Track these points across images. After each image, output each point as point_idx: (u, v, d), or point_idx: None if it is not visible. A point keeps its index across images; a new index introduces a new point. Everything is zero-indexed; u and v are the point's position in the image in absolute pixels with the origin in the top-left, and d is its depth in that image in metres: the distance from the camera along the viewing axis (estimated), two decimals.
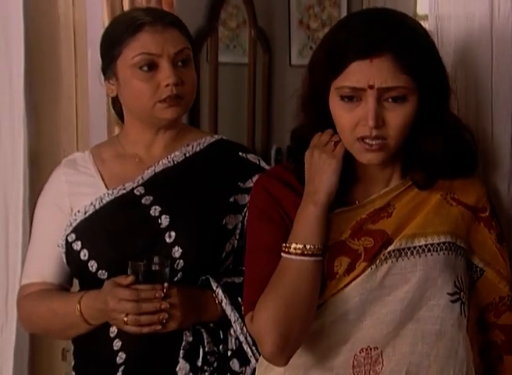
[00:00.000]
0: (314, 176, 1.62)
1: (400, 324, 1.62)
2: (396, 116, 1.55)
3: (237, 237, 1.93)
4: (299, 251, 1.59)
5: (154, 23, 1.87)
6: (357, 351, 1.62)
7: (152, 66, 1.87)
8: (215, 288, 1.86)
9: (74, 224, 1.94)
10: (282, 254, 1.61)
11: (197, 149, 1.99)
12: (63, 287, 2.00)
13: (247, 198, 1.86)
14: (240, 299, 1.82)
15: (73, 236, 1.93)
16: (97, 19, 2.76)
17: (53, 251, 1.97)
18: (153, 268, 1.80)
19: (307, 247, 1.59)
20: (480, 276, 1.70)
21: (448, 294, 1.63)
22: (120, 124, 3.31)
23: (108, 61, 1.93)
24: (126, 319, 1.77)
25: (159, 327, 1.78)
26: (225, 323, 1.87)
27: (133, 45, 1.88)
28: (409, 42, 1.54)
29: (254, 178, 1.90)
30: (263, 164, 2.00)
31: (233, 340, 1.88)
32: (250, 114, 4.69)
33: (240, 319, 1.85)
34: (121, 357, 1.88)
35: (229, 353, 1.88)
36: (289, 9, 4.94)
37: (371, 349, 1.62)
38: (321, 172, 1.61)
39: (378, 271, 1.61)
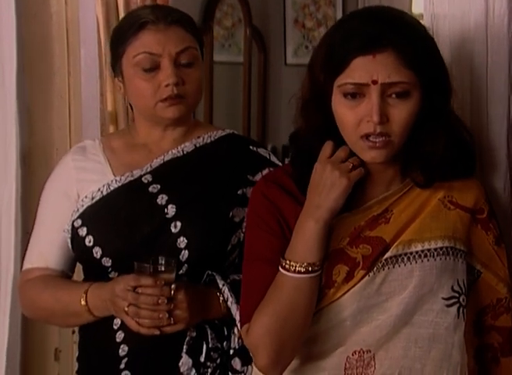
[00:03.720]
0: (321, 191, 1.58)
1: (393, 328, 1.61)
2: (400, 112, 1.53)
3: (244, 230, 1.90)
4: (297, 269, 1.58)
5: (156, 21, 1.87)
6: (349, 353, 1.62)
7: (154, 66, 1.87)
8: (221, 286, 1.85)
9: (81, 210, 1.94)
10: (280, 269, 1.60)
11: (208, 141, 1.98)
12: (65, 274, 2.00)
13: None
14: None
15: (79, 221, 1.93)
16: (90, 18, 2.75)
17: (57, 237, 1.97)
18: (159, 269, 1.78)
19: (305, 264, 1.58)
20: (477, 278, 1.69)
21: (443, 298, 1.62)
22: (115, 123, 3.35)
23: (115, 58, 1.94)
24: (126, 309, 1.77)
25: (157, 332, 1.78)
26: (230, 321, 1.87)
27: (135, 44, 1.88)
28: (410, 37, 1.53)
29: (264, 171, 1.91)
30: (273, 158, 2.00)
31: (236, 339, 1.87)
32: (246, 113, 4.69)
33: None
34: (123, 349, 1.88)
35: (232, 352, 1.88)
36: (285, 8, 4.94)
37: (363, 352, 1.62)
38: (330, 189, 1.57)
39: (375, 278, 1.60)
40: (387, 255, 1.60)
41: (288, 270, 1.58)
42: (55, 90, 2.70)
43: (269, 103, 4.91)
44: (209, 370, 1.85)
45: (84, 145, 2.04)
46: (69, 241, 1.96)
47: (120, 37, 1.91)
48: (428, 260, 1.61)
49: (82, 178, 1.97)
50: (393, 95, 1.53)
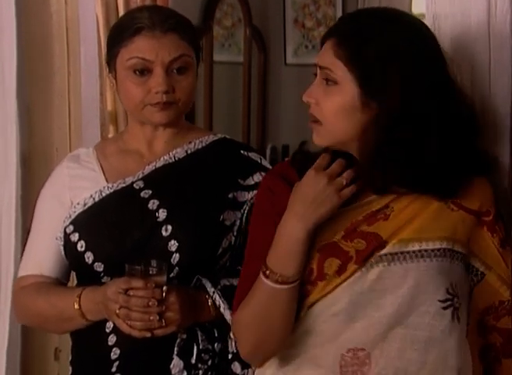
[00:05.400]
0: (311, 203, 1.57)
1: (387, 327, 1.60)
2: None
3: (235, 233, 1.92)
4: (273, 279, 1.58)
5: (152, 27, 1.87)
6: (344, 351, 1.61)
7: (146, 71, 1.88)
8: (211, 293, 1.86)
9: (73, 216, 1.95)
10: (260, 273, 1.60)
11: (199, 146, 1.99)
12: (60, 282, 2.00)
13: (247, 195, 1.90)
14: None
15: (71, 228, 1.94)
16: (90, 18, 2.76)
17: (52, 245, 1.97)
18: (150, 272, 1.78)
19: (283, 276, 1.58)
20: (480, 279, 1.68)
21: (439, 301, 1.61)
22: (115, 123, 3.35)
23: (110, 57, 1.95)
24: (118, 311, 1.77)
25: (148, 334, 1.78)
26: (221, 323, 1.86)
27: (129, 48, 1.88)
28: (354, 29, 1.56)
29: (255, 176, 1.93)
30: (264, 162, 2.00)
31: (234, 343, 1.86)
32: (246, 113, 4.69)
33: None
34: (115, 353, 1.89)
35: (230, 356, 1.88)
36: (285, 8, 4.94)
37: (358, 350, 1.61)
38: (320, 202, 1.57)
39: (368, 274, 1.59)
40: (383, 251, 1.59)
41: (266, 277, 1.59)
42: (55, 90, 2.69)
43: (269, 103, 4.91)
44: (200, 372, 1.85)
45: (78, 153, 2.06)
46: (61, 248, 1.96)
47: (116, 37, 1.92)
48: (424, 261, 1.60)
49: (75, 185, 1.98)
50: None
